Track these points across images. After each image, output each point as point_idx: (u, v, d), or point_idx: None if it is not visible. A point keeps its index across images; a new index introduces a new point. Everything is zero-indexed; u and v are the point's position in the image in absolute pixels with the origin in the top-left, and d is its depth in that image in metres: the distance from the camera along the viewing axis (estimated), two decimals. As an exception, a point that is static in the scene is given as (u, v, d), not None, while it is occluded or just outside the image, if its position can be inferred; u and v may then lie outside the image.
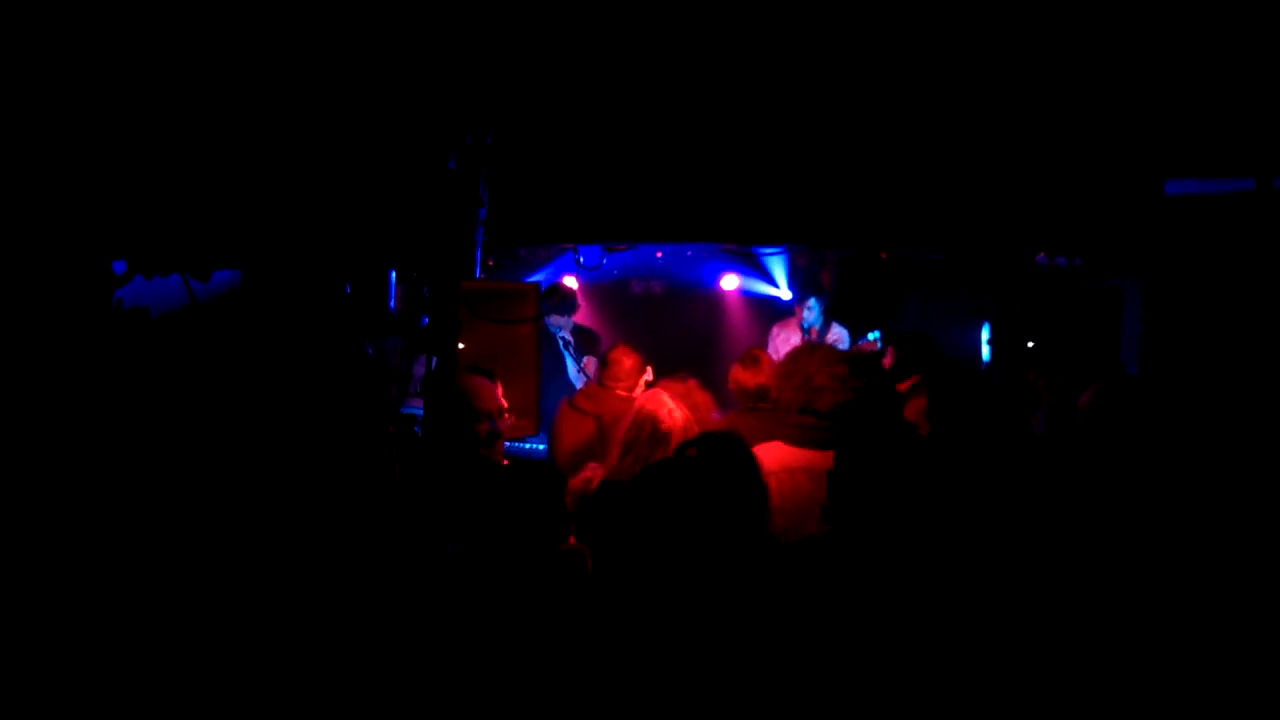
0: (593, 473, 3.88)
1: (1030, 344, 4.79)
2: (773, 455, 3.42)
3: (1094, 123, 4.18)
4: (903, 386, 4.12)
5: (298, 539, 2.76)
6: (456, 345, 4.16)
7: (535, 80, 3.90)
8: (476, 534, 2.69)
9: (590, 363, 6.87)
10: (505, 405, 3.72)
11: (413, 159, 2.87)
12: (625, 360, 4.99)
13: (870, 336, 6.87)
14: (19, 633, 2.46)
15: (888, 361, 4.32)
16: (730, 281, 9.40)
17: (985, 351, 5.51)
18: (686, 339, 8.98)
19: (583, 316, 7.79)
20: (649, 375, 5.57)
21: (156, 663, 2.49)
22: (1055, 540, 2.81)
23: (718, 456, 2.64)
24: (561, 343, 6.83)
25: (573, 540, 3.44)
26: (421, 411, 3.90)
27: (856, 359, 3.90)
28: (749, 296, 9.61)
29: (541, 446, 5.72)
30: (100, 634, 2.50)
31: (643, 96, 4.00)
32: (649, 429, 3.70)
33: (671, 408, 3.78)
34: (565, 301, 7.18)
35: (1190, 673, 2.57)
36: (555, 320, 7.06)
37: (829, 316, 7.56)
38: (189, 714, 2.46)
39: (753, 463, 3.10)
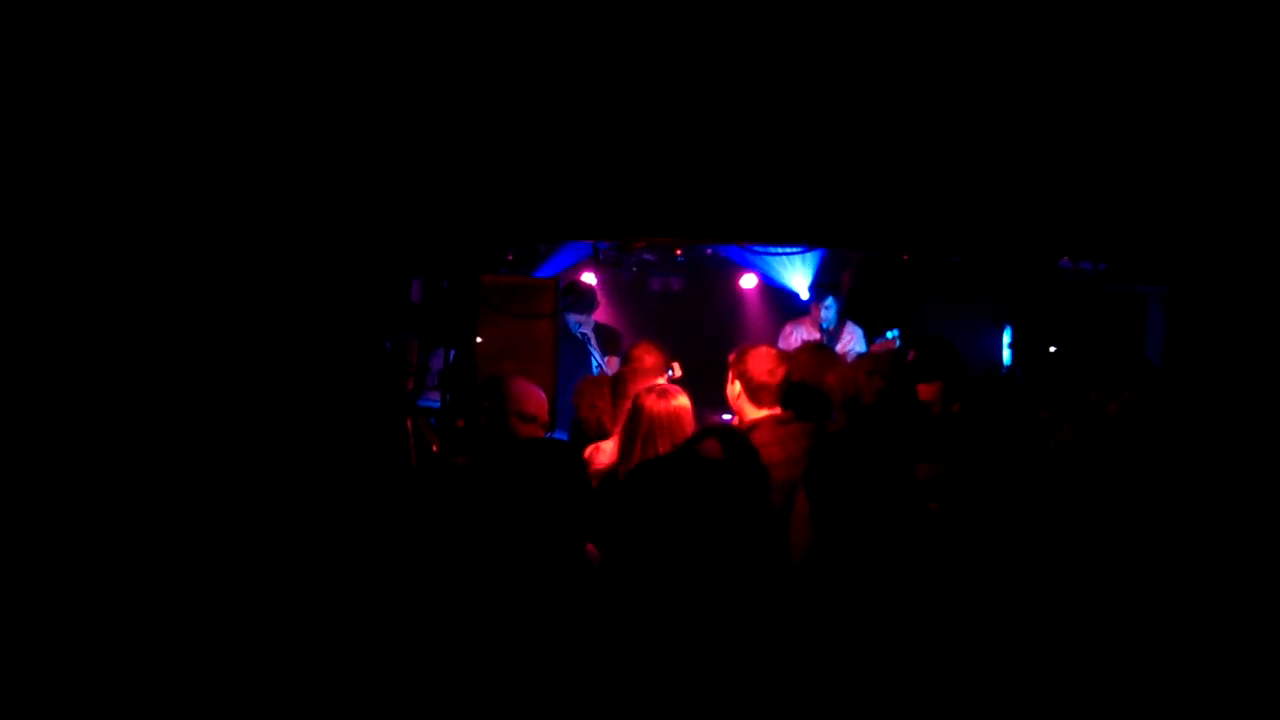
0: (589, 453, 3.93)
1: (1052, 349, 4.74)
2: None
3: (1121, 126, 4.13)
4: (924, 389, 4.08)
5: (316, 528, 2.77)
6: (474, 339, 4.18)
7: (557, 77, 3.89)
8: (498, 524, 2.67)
9: (613, 361, 6.88)
10: (547, 419, 3.73)
11: (432, 154, 2.87)
12: (646, 358, 4.98)
13: (889, 335, 6.83)
14: (43, 614, 2.48)
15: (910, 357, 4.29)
16: (749, 280, 9.38)
17: (1006, 355, 5.46)
18: (704, 336, 8.97)
19: (601, 313, 7.79)
20: (677, 373, 5.56)
21: (169, 652, 2.51)
22: (1079, 544, 2.79)
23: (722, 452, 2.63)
24: (583, 338, 6.84)
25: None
26: (438, 404, 3.92)
27: (880, 357, 3.91)
28: (768, 295, 9.60)
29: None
30: (115, 621, 2.52)
31: (665, 94, 3.98)
32: (633, 413, 3.72)
33: (662, 393, 3.77)
34: (585, 299, 7.19)
35: (1212, 674, 2.54)
36: (577, 318, 7.08)
37: (844, 316, 7.53)
38: (203, 704, 2.48)
39: (752, 458, 3.09)
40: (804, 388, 4.02)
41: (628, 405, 3.97)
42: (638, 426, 3.66)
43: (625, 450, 3.72)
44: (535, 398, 3.67)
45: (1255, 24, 3.99)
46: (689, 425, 3.74)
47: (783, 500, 3.60)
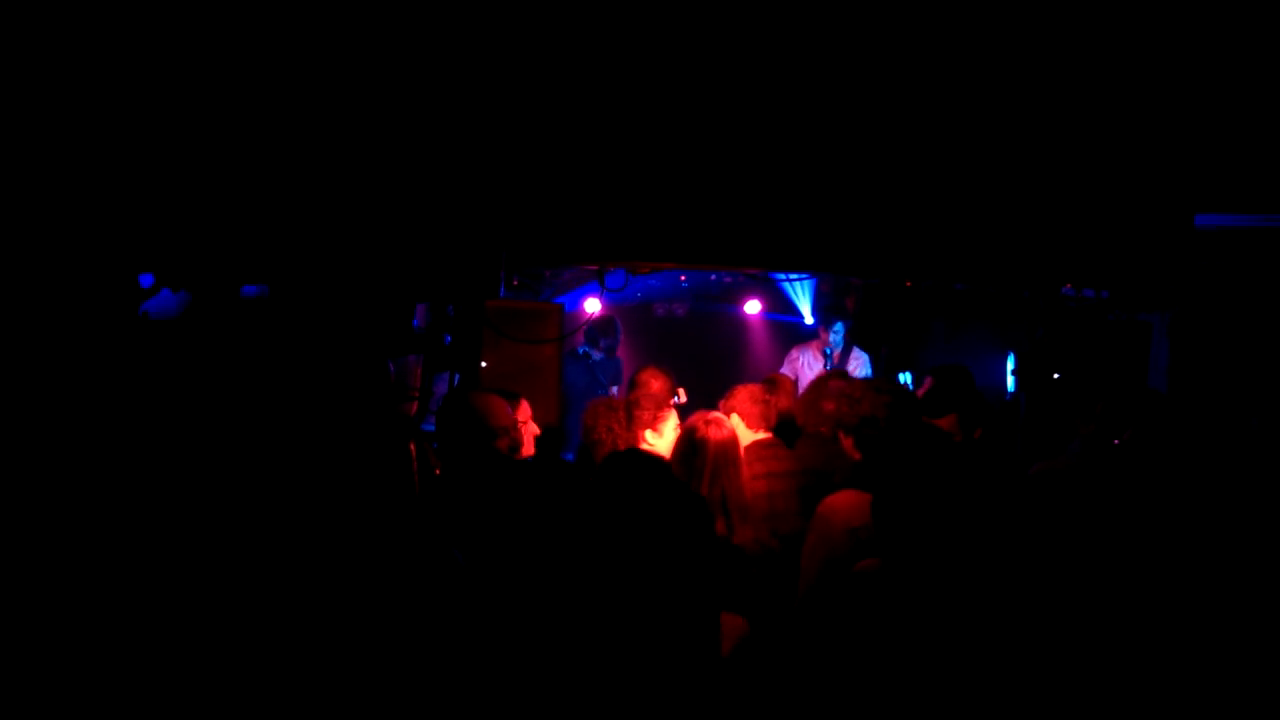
0: None
1: (1056, 375, 4.75)
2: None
3: (1124, 155, 4.16)
4: (942, 423, 4.11)
5: (319, 551, 2.77)
6: (479, 363, 4.19)
7: (563, 104, 3.93)
8: (505, 541, 2.67)
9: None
10: (518, 418, 3.70)
11: (439, 178, 2.90)
12: (653, 382, 4.98)
13: (901, 378, 6.80)
14: (46, 634, 2.48)
15: (922, 392, 4.33)
16: (753, 305, 9.40)
17: (1010, 382, 5.46)
18: (709, 362, 8.98)
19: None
20: (682, 398, 5.56)
21: (169, 663, 2.51)
22: (1098, 560, 2.80)
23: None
24: (592, 365, 6.88)
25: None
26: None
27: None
28: (772, 320, 9.61)
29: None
30: (114, 636, 2.52)
31: (671, 121, 4.02)
32: (694, 446, 3.71)
33: (717, 422, 3.78)
34: (613, 338, 7.25)
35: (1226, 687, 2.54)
36: (592, 349, 7.13)
37: (851, 341, 7.53)
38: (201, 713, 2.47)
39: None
40: (788, 416, 4.40)
41: (642, 432, 4.01)
42: (704, 459, 3.65)
43: (694, 485, 3.71)
44: (503, 410, 3.65)
45: (1255, 54, 4.02)
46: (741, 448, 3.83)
47: (784, 506, 3.84)
